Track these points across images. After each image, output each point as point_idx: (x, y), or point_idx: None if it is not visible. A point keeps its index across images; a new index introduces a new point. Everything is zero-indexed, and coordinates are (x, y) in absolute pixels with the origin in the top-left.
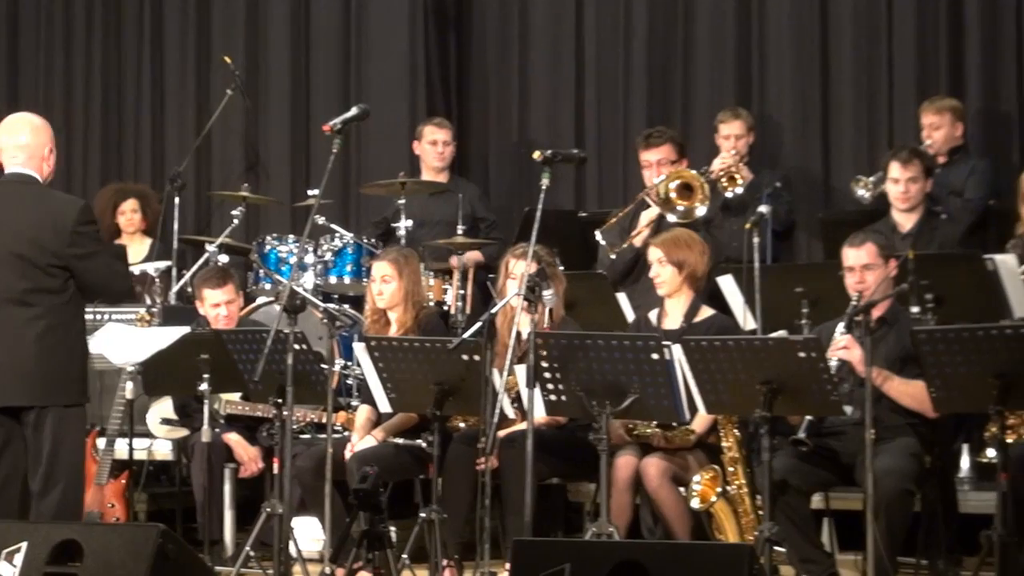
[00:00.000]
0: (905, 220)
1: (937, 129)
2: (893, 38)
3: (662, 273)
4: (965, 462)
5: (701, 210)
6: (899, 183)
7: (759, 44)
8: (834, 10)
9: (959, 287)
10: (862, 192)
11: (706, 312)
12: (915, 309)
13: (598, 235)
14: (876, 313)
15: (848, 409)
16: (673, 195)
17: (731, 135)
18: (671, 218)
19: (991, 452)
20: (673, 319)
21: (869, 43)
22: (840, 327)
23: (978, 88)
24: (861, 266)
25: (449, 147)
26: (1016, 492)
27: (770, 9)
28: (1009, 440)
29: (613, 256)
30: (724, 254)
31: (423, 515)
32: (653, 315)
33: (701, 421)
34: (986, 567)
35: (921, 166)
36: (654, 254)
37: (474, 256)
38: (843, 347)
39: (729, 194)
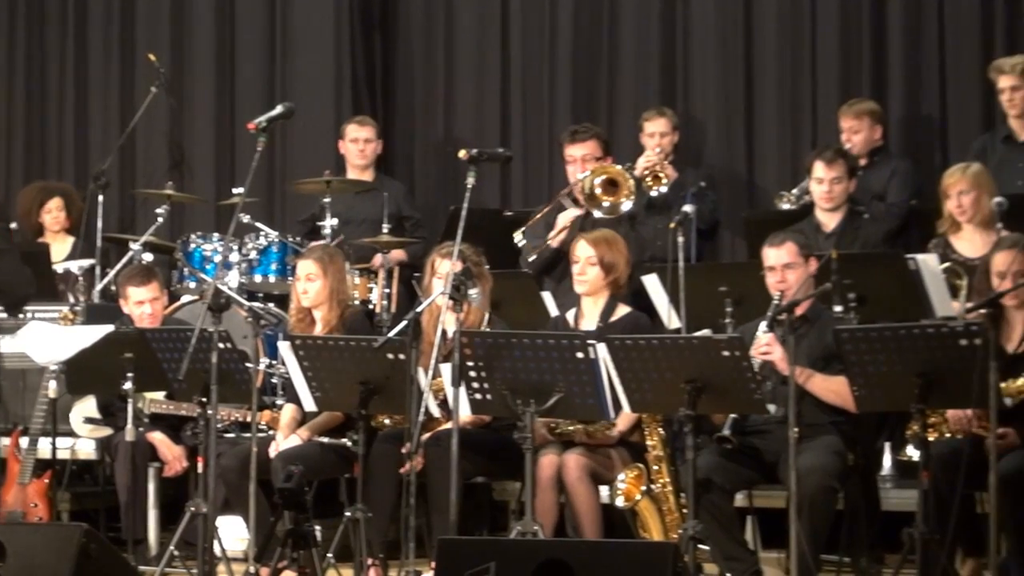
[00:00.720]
0: (829, 219)
1: (856, 133)
2: (817, 40)
3: (588, 272)
4: (887, 460)
5: (626, 205)
6: (823, 183)
7: (684, 44)
8: (758, 11)
9: (881, 287)
10: (786, 206)
11: (622, 311)
12: (838, 308)
13: (517, 236)
14: (798, 312)
15: (771, 407)
16: (598, 191)
17: (655, 133)
18: (596, 214)
19: (912, 450)
20: (590, 319)
21: (793, 44)
22: (762, 326)
23: (900, 90)
24: (782, 265)
25: (372, 145)
26: (937, 490)
27: (694, 10)
28: (930, 438)
29: (532, 258)
30: (648, 252)
31: (348, 514)
32: (570, 315)
33: (625, 419)
34: (908, 565)
35: (845, 166)
36: (584, 252)
37: (398, 255)
38: (765, 346)
39: (654, 192)
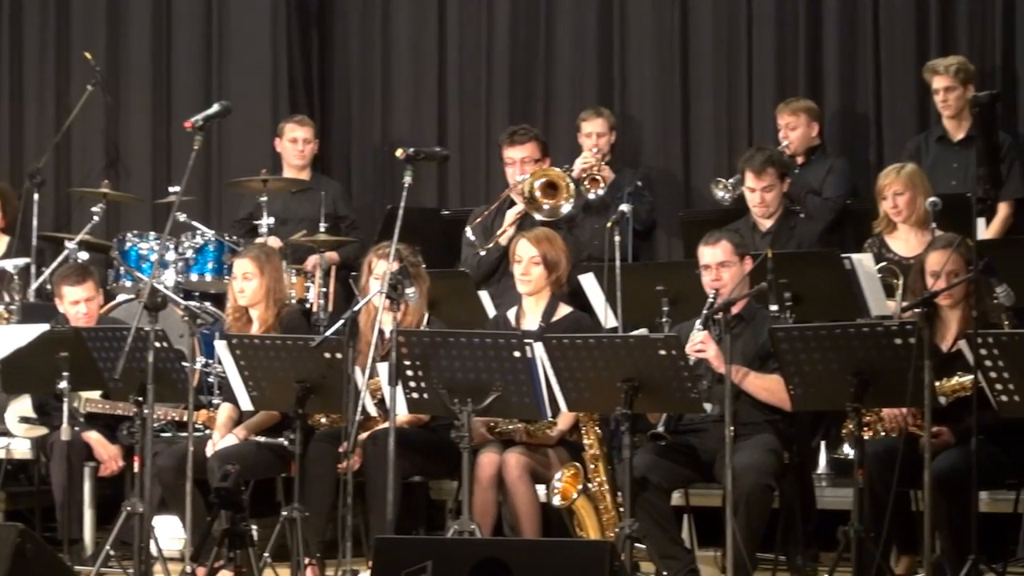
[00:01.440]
0: (764, 219)
1: (793, 129)
2: (752, 39)
3: (532, 271)
4: (823, 459)
5: (566, 208)
6: (755, 192)
7: (620, 45)
8: (694, 11)
9: (817, 286)
10: (722, 193)
11: (563, 310)
12: (773, 307)
13: (468, 231)
14: (733, 310)
15: (708, 406)
16: (538, 193)
17: (593, 133)
18: (537, 216)
19: (848, 449)
20: (531, 318)
21: (729, 44)
22: (697, 324)
23: (836, 89)
24: (717, 264)
25: (310, 145)
26: (872, 488)
27: (631, 10)
28: (866, 437)
29: (482, 252)
30: (586, 252)
31: (285, 513)
32: (511, 314)
33: (567, 419)
34: (843, 563)
35: (775, 173)
36: (527, 251)
37: (334, 254)
38: (700, 343)
39: (591, 196)
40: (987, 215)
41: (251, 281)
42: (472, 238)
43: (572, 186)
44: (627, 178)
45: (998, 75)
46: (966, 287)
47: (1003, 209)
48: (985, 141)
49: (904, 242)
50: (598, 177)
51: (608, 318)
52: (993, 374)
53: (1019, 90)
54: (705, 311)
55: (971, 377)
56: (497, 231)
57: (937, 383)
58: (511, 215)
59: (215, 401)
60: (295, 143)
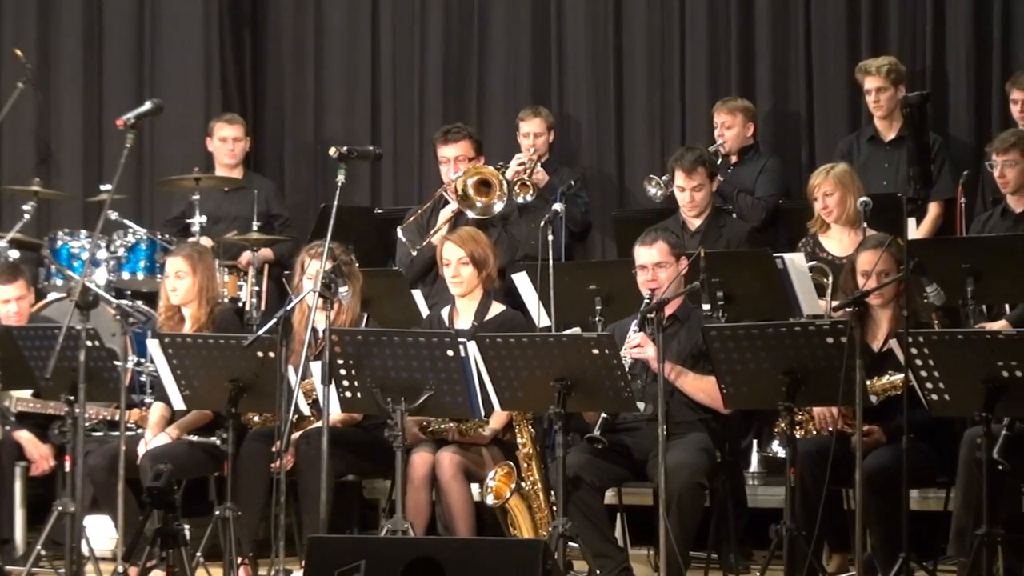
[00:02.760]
0: (694, 219)
1: (729, 128)
2: (686, 40)
3: (462, 272)
4: (755, 457)
5: (499, 206)
6: (685, 191)
7: (556, 44)
8: (628, 11)
9: (749, 285)
10: (654, 191)
11: (497, 309)
12: (706, 307)
13: (399, 232)
14: (668, 310)
15: (641, 405)
16: (471, 192)
17: (531, 133)
18: (470, 214)
19: (780, 447)
20: (465, 318)
21: (663, 44)
22: (633, 325)
23: (768, 89)
24: (653, 264)
25: (240, 143)
26: (804, 486)
27: (566, 9)
28: (798, 435)
29: (414, 252)
30: (521, 252)
31: (217, 513)
32: (445, 313)
33: (499, 418)
34: (775, 560)
35: (705, 172)
36: (453, 253)
37: (267, 253)
38: (636, 345)
39: (521, 200)
40: (918, 215)
41: (183, 280)
42: (404, 239)
43: (505, 185)
44: (563, 177)
45: (929, 76)
46: (897, 286)
47: (933, 209)
48: (916, 141)
49: (837, 242)
50: (528, 183)
51: (541, 317)
52: (923, 373)
53: (949, 91)
54: (641, 311)
55: (902, 376)
56: (432, 230)
57: (868, 382)
58: (445, 214)
59: (147, 400)
60: (225, 142)
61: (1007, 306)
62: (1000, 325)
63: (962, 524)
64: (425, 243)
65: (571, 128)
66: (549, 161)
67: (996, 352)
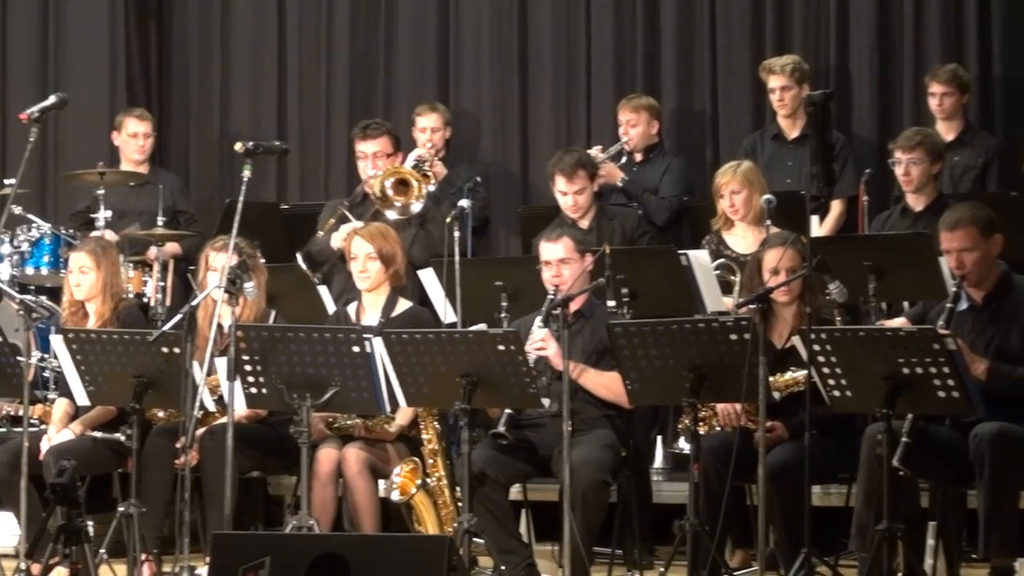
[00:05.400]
0: (580, 220)
1: (634, 127)
2: (591, 36)
3: (369, 268)
4: (659, 453)
5: (416, 206)
6: (567, 195)
7: (458, 39)
8: (533, 7)
9: (654, 282)
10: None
11: (403, 305)
12: (611, 303)
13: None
14: (573, 307)
15: (546, 402)
16: (390, 192)
17: (427, 128)
18: (389, 215)
19: (684, 443)
20: (371, 314)
21: (568, 40)
22: (538, 321)
23: (673, 87)
24: (558, 260)
25: (150, 139)
26: (708, 482)
27: (470, 6)
28: (701, 431)
29: (321, 234)
30: (438, 250)
31: (121, 509)
32: (351, 309)
33: (405, 414)
34: (679, 556)
35: (586, 175)
36: (362, 248)
37: (173, 248)
38: (540, 341)
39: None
40: (820, 213)
41: (88, 275)
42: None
43: (424, 185)
44: (464, 173)
45: (832, 74)
46: (801, 283)
47: (836, 207)
48: (819, 140)
49: (742, 239)
50: (429, 173)
51: (447, 313)
52: (826, 370)
53: (852, 89)
54: (545, 308)
55: (804, 372)
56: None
57: (771, 378)
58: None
59: (51, 396)
60: (135, 137)
61: (905, 304)
62: (900, 322)
63: (863, 520)
64: (324, 232)
65: (472, 125)
66: (446, 157)
67: (897, 349)
